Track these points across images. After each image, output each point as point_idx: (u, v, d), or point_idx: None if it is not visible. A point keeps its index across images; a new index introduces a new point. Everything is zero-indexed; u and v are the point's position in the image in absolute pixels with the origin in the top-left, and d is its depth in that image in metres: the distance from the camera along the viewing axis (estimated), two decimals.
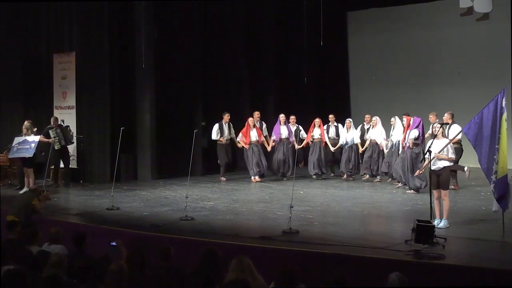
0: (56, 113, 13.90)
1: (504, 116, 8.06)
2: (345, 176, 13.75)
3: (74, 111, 14.00)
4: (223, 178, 13.82)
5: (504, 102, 8.10)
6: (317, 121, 13.85)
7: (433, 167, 8.50)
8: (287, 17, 16.97)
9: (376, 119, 13.26)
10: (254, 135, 13.58)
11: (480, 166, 8.27)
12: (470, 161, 10.46)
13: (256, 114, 13.92)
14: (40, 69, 14.88)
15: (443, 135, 8.75)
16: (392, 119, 12.66)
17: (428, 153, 8.37)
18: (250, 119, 13.66)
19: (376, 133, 13.21)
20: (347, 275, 4.96)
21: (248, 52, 16.50)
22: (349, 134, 13.75)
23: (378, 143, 13.18)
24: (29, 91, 15.05)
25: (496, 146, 8.01)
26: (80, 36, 13.95)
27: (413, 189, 11.61)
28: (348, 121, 13.95)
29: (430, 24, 16.34)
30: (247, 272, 5.05)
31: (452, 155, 8.60)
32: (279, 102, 17.00)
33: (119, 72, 14.39)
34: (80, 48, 13.94)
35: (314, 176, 13.75)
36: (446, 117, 11.78)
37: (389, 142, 12.74)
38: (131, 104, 14.39)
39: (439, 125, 8.77)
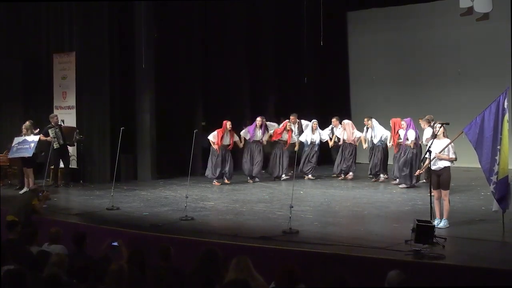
0: (56, 113, 13.86)
1: (506, 117, 8.06)
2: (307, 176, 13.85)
3: (74, 111, 14.00)
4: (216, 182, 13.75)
5: (506, 103, 8.10)
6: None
7: (433, 167, 8.50)
8: (287, 17, 16.96)
9: (349, 122, 13.79)
10: (227, 139, 13.25)
11: (480, 167, 8.27)
12: (470, 161, 10.45)
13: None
14: (40, 69, 14.87)
15: (444, 135, 8.74)
16: (370, 121, 12.97)
17: (428, 153, 8.37)
18: (228, 123, 13.14)
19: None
20: (347, 275, 4.95)
21: (248, 52, 16.49)
22: (315, 135, 13.89)
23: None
24: (29, 91, 15.04)
25: (498, 147, 8.02)
26: (80, 36, 13.94)
27: (405, 184, 11.72)
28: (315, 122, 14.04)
29: (430, 24, 16.34)
30: (247, 272, 5.05)
31: (452, 155, 8.59)
32: (279, 102, 17.00)
33: (119, 72, 14.38)
34: (80, 48, 13.94)
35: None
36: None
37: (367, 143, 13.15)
38: (131, 104, 14.39)
39: (439, 125, 8.75)
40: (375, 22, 17.36)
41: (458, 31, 15.89)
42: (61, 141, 13.01)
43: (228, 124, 13.08)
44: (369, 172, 13.35)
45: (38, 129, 12.96)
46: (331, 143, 14.06)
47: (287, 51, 17.29)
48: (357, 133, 13.60)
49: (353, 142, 13.60)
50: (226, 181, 13.34)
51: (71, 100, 14.08)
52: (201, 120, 15.48)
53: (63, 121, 13.61)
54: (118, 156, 11.81)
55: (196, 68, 15.34)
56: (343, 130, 13.73)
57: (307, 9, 14.15)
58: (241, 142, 13.52)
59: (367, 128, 13.32)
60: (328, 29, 13.34)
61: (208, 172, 13.29)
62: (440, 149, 8.49)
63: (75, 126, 13.72)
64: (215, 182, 13.22)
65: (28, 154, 12.28)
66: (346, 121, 13.84)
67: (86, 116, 13.93)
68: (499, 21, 14.64)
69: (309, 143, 13.86)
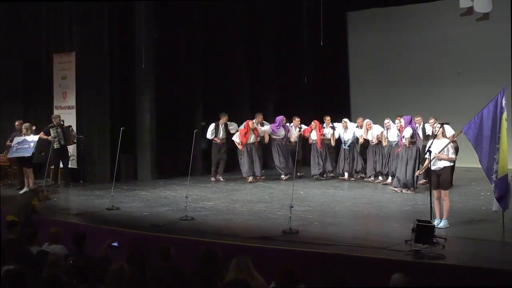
0: (56, 113, 13.86)
1: (504, 115, 8.07)
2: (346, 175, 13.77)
3: (74, 111, 14.00)
4: (213, 179, 13.80)
5: (504, 102, 8.10)
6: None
7: (433, 167, 8.50)
8: (287, 17, 16.96)
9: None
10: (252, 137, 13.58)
11: (480, 166, 8.27)
12: (470, 161, 10.46)
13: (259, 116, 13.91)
14: (40, 69, 14.87)
15: (443, 135, 8.74)
16: (386, 120, 12.67)
17: (428, 153, 8.37)
18: (251, 122, 13.58)
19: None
20: (347, 275, 4.95)
21: (248, 52, 16.49)
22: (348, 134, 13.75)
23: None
24: (29, 91, 15.04)
25: (497, 146, 8.02)
26: (80, 36, 13.94)
27: (402, 187, 11.69)
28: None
29: (430, 24, 16.34)
30: (247, 272, 5.05)
31: (452, 155, 8.60)
32: (279, 102, 17.00)
33: (119, 72, 14.39)
34: (80, 48, 13.94)
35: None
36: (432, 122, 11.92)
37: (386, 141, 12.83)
38: (131, 104, 14.39)
39: (439, 125, 8.76)
40: (375, 22, 17.36)
41: (458, 31, 15.89)
42: (62, 142, 13.01)
43: (251, 122, 13.45)
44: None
45: (35, 127, 12.94)
46: (361, 139, 13.59)
47: (287, 51, 17.29)
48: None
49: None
50: (259, 178, 13.62)
51: (71, 100, 14.08)
52: (201, 120, 15.48)
53: (63, 121, 13.61)
54: (118, 156, 11.80)
55: (196, 68, 15.34)
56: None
57: (307, 9, 14.14)
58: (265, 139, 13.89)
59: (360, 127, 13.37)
60: (328, 29, 13.33)
61: (244, 170, 13.52)
62: (440, 149, 8.49)
63: (71, 125, 13.67)
64: (251, 179, 13.43)
65: (28, 153, 12.28)
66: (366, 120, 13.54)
67: (86, 116, 13.93)
68: (499, 21, 14.64)
69: (349, 143, 13.65)
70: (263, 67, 16.97)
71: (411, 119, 11.77)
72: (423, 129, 12.28)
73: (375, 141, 13.13)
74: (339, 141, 13.96)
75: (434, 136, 8.74)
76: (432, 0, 16.18)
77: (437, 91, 16.10)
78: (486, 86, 14.14)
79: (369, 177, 13.30)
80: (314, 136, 13.81)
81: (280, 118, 13.94)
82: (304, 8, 14.04)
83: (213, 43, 15.99)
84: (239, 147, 13.53)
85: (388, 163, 12.72)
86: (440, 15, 16.15)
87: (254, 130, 13.59)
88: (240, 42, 16.26)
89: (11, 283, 4.81)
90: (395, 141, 12.44)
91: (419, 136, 12.11)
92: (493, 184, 8.10)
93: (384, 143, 12.93)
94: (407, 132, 11.64)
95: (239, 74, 16.33)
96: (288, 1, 16.26)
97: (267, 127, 13.86)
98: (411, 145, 11.63)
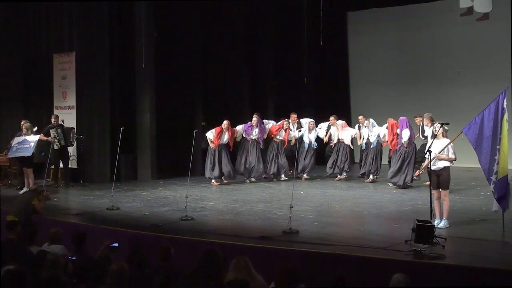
0: (56, 113, 13.87)
1: (505, 117, 8.07)
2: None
3: (74, 111, 14.00)
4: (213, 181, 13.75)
5: (505, 103, 8.11)
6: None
7: (433, 167, 8.50)
8: (287, 17, 16.97)
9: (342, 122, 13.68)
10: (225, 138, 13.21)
11: (480, 167, 8.27)
12: (470, 161, 10.46)
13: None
14: (40, 69, 14.88)
15: (444, 135, 8.74)
16: (366, 121, 12.87)
17: (428, 153, 8.37)
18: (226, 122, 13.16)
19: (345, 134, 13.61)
20: (347, 275, 4.96)
21: (248, 52, 16.49)
22: (311, 135, 13.90)
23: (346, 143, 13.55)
24: (29, 91, 15.05)
25: (497, 147, 8.02)
26: (80, 36, 13.95)
27: (399, 185, 11.69)
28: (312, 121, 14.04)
29: (430, 24, 16.34)
30: (247, 272, 5.05)
31: (452, 155, 8.59)
32: (279, 102, 16.99)
33: (119, 72, 14.39)
34: (80, 48, 13.94)
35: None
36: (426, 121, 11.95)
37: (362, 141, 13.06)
38: (131, 104, 14.38)
39: (439, 125, 8.75)
40: (375, 22, 17.36)
41: (458, 31, 15.87)
42: (63, 142, 13.01)
43: (226, 122, 13.07)
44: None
45: (36, 127, 12.94)
46: (325, 139, 13.93)
47: (287, 51, 17.29)
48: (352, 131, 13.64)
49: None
50: (224, 181, 13.33)
51: (71, 100, 14.08)
52: (201, 120, 15.49)
53: (63, 121, 13.62)
54: (118, 156, 11.80)
55: (196, 68, 15.34)
56: (336, 130, 13.70)
57: (307, 9, 14.14)
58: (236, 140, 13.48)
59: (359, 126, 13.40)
60: (328, 29, 13.34)
61: (207, 172, 13.25)
62: (440, 149, 8.49)
63: (74, 126, 13.71)
64: (214, 182, 13.21)
65: (28, 153, 12.26)
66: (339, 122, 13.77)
67: (86, 116, 13.93)
68: (499, 21, 14.64)
69: (307, 143, 13.84)
70: (263, 67, 16.97)
71: (407, 122, 11.83)
72: (422, 129, 12.32)
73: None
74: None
75: (434, 136, 8.74)
76: (432, 0, 16.17)
77: (437, 91, 16.11)
78: (486, 86, 14.17)
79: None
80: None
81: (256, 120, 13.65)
82: (304, 8, 14.03)
83: (213, 43, 15.99)
84: (211, 145, 13.14)
85: (373, 163, 12.98)
86: (440, 15, 16.15)
87: (229, 130, 13.14)
88: (240, 42, 16.26)
89: (11, 283, 4.81)
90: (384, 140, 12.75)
91: (421, 137, 12.21)
92: (492, 185, 8.10)
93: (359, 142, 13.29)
94: (405, 134, 11.69)
95: (239, 74, 16.33)
96: (288, 1, 16.27)
97: (240, 127, 13.51)
98: (408, 146, 11.68)
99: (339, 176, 13.66)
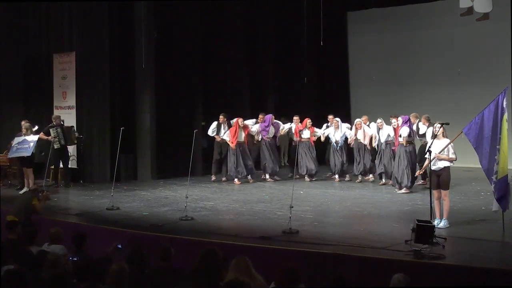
0: (56, 113, 13.87)
1: (505, 116, 8.07)
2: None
3: (74, 111, 14.00)
4: (213, 177, 13.77)
5: (505, 103, 8.11)
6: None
7: (433, 167, 8.50)
8: (287, 17, 16.97)
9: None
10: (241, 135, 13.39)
11: (480, 166, 8.27)
12: (470, 161, 10.46)
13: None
14: (40, 69, 14.88)
15: (444, 135, 8.73)
16: (379, 120, 12.63)
17: (428, 153, 8.36)
18: (240, 120, 13.38)
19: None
20: (347, 275, 4.96)
21: (248, 52, 16.49)
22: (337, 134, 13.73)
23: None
24: (29, 91, 15.05)
25: (497, 147, 8.02)
26: (80, 36, 13.95)
27: (404, 187, 11.62)
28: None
29: (430, 24, 16.34)
30: (247, 272, 5.04)
31: (452, 155, 8.59)
32: (279, 102, 16.98)
33: (119, 72, 14.39)
34: (80, 48, 13.94)
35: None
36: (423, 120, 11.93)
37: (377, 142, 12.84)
38: (131, 104, 14.39)
39: (439, 125, 8.75)
40: (375, 22, 17.36)
41: (458, 31, 15.89)
42: (63, 142, 13.02)
43: (240, 121, 13.29)
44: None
45: (37, 127, 12.94)
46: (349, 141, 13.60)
47: (287, 51, 17.29)
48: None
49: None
50: (250, 181, 13.48)
51: (71, 100, 14.08)
52: (201, 120, 15.49)
53: (63, 121, 13.61)
54: (118, 156, 11.80)
55: (196, 68, 15.34)
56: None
57: (307, 9, 14.14)
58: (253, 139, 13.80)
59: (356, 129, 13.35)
60: (328, 29, 13.34)
61: (231, 172, 13.33)
62: (440, 149, 8.49)
63: (73, 125, 13.69)
64: (236, 181, 13.26)
65: (27, 153, 12.25)
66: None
67: (86, 116, 13.93)
68: (499, 21, 14.64)
69: (334, 142, 13.59)
70: (263, 67, 16.97)
71: (408, 119, 11.80)
72: (417, 128, 12.27)
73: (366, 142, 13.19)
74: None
75: (434, 136, 8.74)
76: (432, 0, 16.17)
77: (437, 91, 16.10)
78: (486, 86, 14.16)
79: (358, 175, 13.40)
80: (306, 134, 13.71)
81: (269, 117, 13.81)
82: (304, 8, 14.04)
83: (213, 43, 15.99)
84: (231, 145, 13.29)
85: (380, 163, 12.73)
86: (440, 15, 16.16)
87: (245, 128, 13.43)
88: (240, 42, 16.26)
89: (11, 283, 4.81)
90: (391, 139, 12.42)
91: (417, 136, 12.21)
92: (493, 185, 8.10)
93: (374, 143, 13.07)
94: (404, 131, 11.65)
95: (239, 74, 16.34)
96: (288, 1, 16.27)
97: (256, 127, 13.72)
98: (408, 144, 11.64)
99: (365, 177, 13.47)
